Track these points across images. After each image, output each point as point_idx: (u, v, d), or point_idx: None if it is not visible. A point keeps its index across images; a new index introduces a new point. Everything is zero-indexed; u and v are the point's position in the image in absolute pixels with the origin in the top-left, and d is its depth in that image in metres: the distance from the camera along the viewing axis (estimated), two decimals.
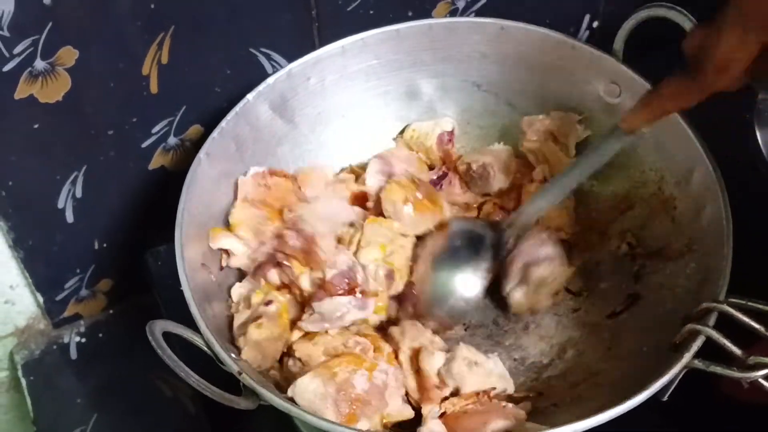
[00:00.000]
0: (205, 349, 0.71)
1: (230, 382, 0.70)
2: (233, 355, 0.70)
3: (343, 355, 0.78)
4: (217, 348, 0.70)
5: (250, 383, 0.68)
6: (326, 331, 0.81)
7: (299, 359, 0.80)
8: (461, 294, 0.87)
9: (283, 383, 0.79)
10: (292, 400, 0.72)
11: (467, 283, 0.87)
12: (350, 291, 0.82)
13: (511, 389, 0.81)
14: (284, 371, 0.81)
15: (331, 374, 0.75)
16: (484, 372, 0.79)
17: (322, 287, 0.82)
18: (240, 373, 0.69)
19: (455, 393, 0.79)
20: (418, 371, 0.80)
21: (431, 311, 0.86)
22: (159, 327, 0.68)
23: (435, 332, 0.85)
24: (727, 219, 0.77)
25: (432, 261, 0.88)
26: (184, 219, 0.79)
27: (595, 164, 0.83)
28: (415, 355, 0.81)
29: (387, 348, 0.81)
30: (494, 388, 0.79)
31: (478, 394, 0.78)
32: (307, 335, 0.81)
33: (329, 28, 0.96)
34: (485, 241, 0.88)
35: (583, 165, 0.84)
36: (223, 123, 0.87)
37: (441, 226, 0.91)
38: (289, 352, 0.81)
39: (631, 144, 0.84)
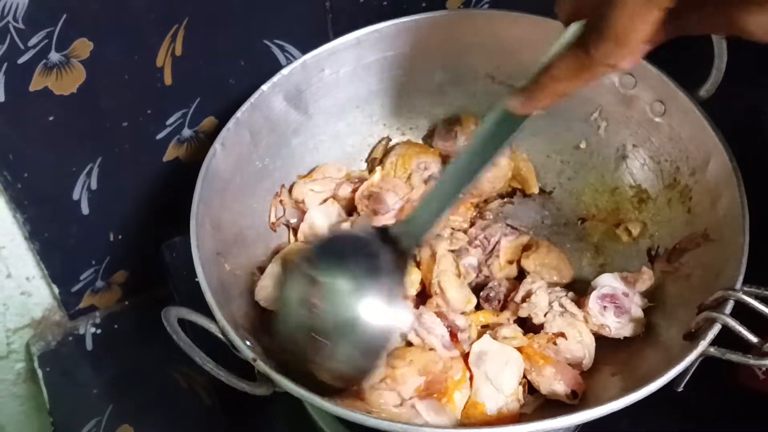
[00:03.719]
0: (220, 336, 0.71)
1: (243, 373, 0.70)
2: (248, 343, 0.70)
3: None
4: (232, 335, 0.70)
5: (265, 369, 0.68)
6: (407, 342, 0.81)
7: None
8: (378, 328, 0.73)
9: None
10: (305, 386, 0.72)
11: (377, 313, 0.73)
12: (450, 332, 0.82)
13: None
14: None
15: None
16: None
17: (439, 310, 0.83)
18: (255, 360, 0.69)
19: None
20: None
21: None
22: (174, 313, 0.69)
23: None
24: (744, 209, 0.77)
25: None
26: (200, 209, 0.79)
27: (488, 156, 0.69)
28: None
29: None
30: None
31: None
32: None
33: (343, 20, 0.95)
34: (380, 256, 0.74)
35: (474, 159, 0.70)
36: (237, 114, 0.87)
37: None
38: None
39: (519, 132, 0.67)
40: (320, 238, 0.80)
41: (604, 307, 0.82)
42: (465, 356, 0.80)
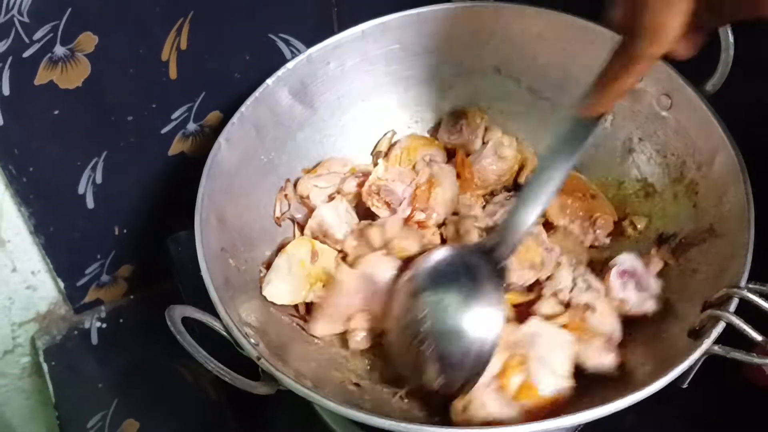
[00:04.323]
0: (224, 334, 0.71)
1: (250, 369, 0.70)
2: (252, 341, 0.70)
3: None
4: (236, 333, 0.70)
5: (269, 368, 0.68)
6: None
7: None
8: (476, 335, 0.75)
9: None
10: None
11: (483, 319, 0.75)
12: None
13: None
14: None
15: None
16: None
17: None
18: (259, 358, 0.68)
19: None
20: None
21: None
22: (178, 312, 0.68)
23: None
24: (749, 204, 0.76)
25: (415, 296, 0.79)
26: (204, 204, 0.79)
27: (568, 162, 0.74)
28: None
29: None
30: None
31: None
32: None
33: (348, 13, 0.95)
34: (481, 268, 0.78)
35: (555, 166, 0.75)
36: (242, 108, 0.87)
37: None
38: None
39: (597, 132, 0.74)
40: (420, 262, 0.82)
41: (624, 282, 0.82)
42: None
